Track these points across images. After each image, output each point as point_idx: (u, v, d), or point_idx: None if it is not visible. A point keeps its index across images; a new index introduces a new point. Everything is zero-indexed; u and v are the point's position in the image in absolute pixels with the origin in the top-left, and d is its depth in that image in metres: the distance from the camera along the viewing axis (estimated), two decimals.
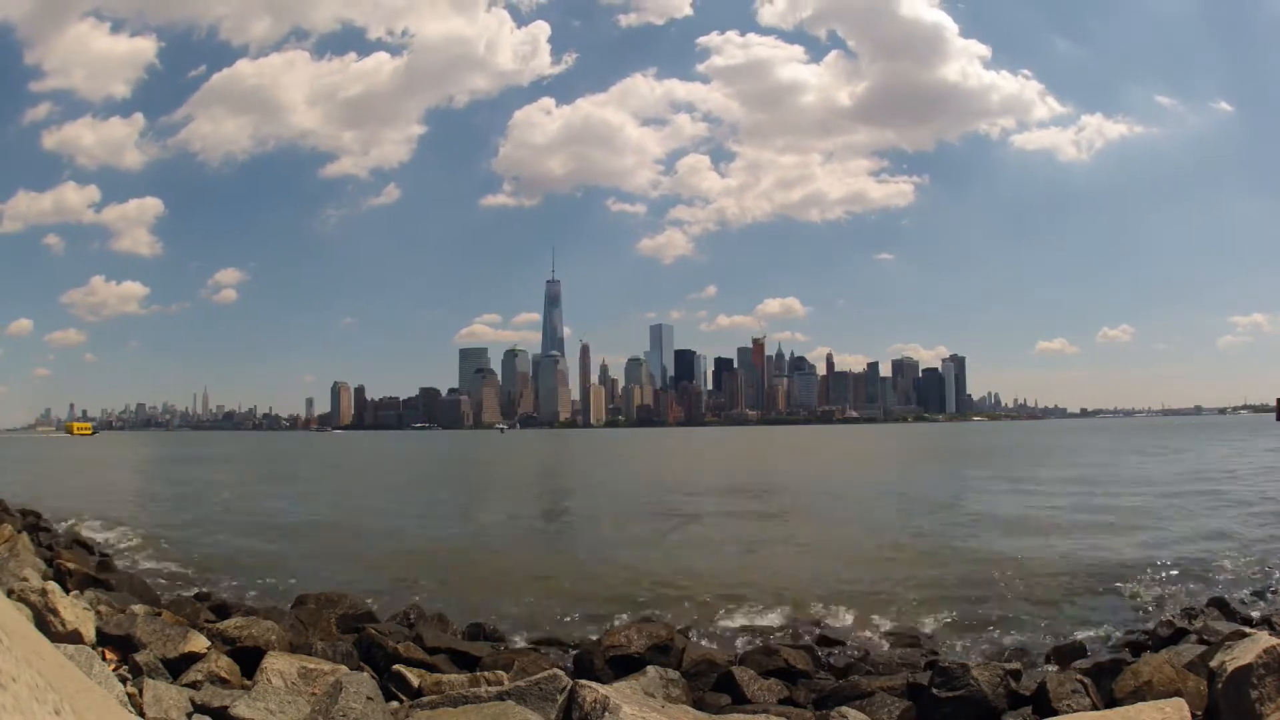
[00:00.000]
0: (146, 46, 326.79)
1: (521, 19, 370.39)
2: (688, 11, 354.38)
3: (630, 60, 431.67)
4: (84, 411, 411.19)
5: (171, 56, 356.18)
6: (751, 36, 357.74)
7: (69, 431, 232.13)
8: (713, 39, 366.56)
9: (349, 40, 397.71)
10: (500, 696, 5.40)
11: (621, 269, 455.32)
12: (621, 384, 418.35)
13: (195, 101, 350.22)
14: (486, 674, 7.10)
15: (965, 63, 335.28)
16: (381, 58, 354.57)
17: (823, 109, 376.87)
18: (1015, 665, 7.76)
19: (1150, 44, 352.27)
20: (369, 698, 5.13)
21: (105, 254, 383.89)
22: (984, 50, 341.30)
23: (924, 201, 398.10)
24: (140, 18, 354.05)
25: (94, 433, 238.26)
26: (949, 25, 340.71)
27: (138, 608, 8.66)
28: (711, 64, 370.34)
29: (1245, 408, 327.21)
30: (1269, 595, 12.04)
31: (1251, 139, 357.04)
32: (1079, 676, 6.94)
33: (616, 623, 10.52)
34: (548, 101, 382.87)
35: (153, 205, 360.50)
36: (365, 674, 5.98)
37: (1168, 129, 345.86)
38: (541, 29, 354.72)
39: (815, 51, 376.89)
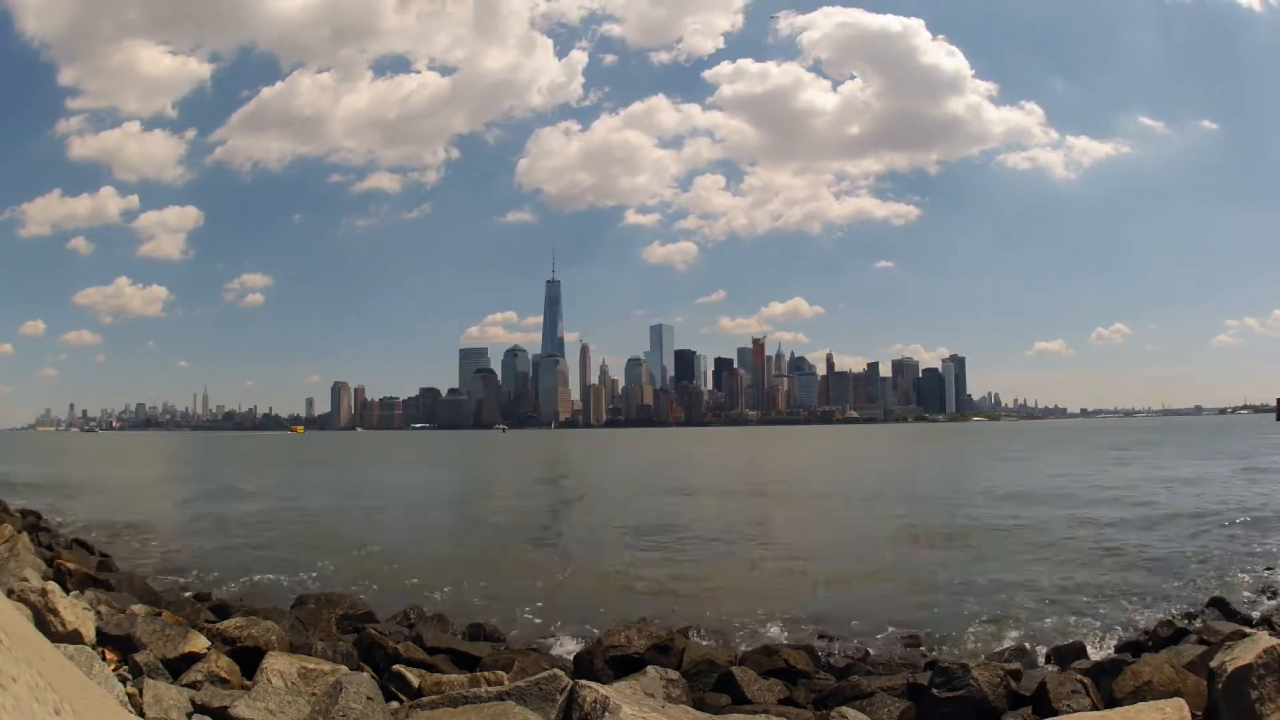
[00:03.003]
0: (199, 66, 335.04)
1: (561, 51, 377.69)
2: (712, 52, 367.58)
3: (653, 86, 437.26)
4: (84, 411, 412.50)
5: (222, 74, 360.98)
6: (770, 65, 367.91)
7: (293, 431, 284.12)
8: (724, 68, 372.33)
9: (396, 64, 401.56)
10: (500, 696, 5.40)
11: (627, 274, 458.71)
12: (621, 384, 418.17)
13: (241, 117, 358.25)
14: (486, 674, 7.10)
15: (974, 98, 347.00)
16: (425, 80, 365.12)
17: (835, 135, 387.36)
18: (1015, 665, 7.76)
19: (1140, 70, 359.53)
20: (369, 698, 5.12)
21: (132, 259, 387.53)
22: (992, 87, 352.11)
23: (926, 215, 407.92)
24: (193, 37, 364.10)
25: (304, 432, 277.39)
26: (965, 69, 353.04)
27: (138, 608, 8.66)
28: (724, 93, 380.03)
29: (1245, 408, 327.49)
30: (1269, 595, 12.05)
31: (1238, 152, 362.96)
32: (1079, 676, 6.93)
33: (616, 623, 10.51)
34: (572, 124, 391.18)
35: (192, 214, 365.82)
36: (365, 674, 5.97)
37: (1154, 148, 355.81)
38: (579, 59, 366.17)
39: (834, 85, 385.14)
